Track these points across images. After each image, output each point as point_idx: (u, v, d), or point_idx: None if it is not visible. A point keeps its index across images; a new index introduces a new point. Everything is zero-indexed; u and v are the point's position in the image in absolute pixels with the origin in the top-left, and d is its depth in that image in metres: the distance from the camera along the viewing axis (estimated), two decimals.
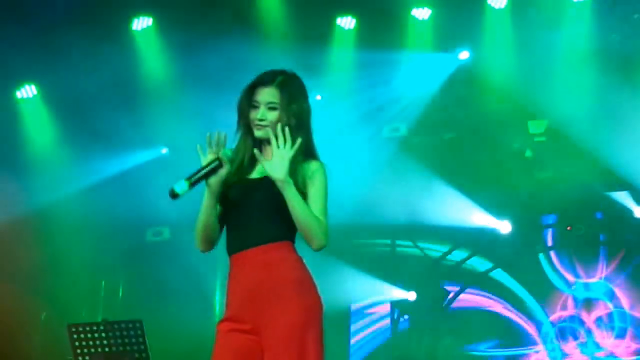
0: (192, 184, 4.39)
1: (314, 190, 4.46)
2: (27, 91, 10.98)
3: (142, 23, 10.64)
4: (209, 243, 4.56)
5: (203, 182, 4.43)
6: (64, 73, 10.62)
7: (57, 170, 10.92)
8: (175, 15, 10.55)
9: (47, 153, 10.98)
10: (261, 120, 4.49)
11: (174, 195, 4.35)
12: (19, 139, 10.99)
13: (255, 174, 4.55)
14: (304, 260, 4.50)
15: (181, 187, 4.36)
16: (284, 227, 4.45)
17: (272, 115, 4.49)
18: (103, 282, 11.26)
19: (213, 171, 4.45)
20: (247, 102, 4.54)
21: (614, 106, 10.27)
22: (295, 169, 4.43)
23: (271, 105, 4.49)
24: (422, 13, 10.41)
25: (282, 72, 4.57)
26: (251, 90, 4.54)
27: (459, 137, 11.11)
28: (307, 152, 4.51)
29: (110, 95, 10.76)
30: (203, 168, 4.44)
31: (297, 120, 4.50)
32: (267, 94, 4.51)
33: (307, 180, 4.46)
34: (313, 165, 4.49)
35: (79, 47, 10.40)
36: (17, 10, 10.36)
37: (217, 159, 4.45)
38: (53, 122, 10.98)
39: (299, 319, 4.36)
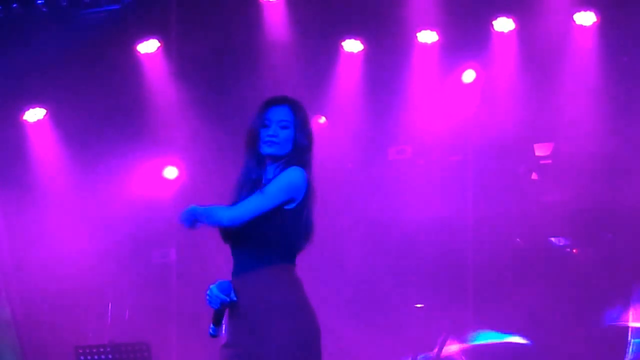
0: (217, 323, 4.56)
1: (273, 180, 4.50)
2: (35, 114, 11.03)
3: (148, 46, 10.71)
4: None
5: None
6: (72, 96, 10.67)
7: (63, 192, 10.94)
8: (181, 39, 10.61)
9: (54, 175, 11.00)
10: (273, 136, 4.55)
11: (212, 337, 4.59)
12: (26, 161, 11.02)
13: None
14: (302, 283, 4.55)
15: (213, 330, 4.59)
16: (274, 251, 4.50)
17: (285, 134, 4.57)
18: (110, 304, 11.25)
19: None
20: (258, 122, 4.60)
21: (621, 128, 10.27)
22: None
23: (283, 123, 4.58)
24: (428, 36, 10.46)
25: (291, 98, 4.67)
26: (263, 110, 4.61)
27: (465, 160, 11.09)
28: (303, 164, 4.56)
29: (118, 118, 10.80)
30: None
31: (309, 141, 4.61)
32: (279, 113, 4.59)
33: None
34: (294, 168, 4.52)
35: (86, 71, 10.46)
36: (27, 36, 10.44)
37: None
38: (60, 144, 11.00)
39: (285, 344, 4.40)
